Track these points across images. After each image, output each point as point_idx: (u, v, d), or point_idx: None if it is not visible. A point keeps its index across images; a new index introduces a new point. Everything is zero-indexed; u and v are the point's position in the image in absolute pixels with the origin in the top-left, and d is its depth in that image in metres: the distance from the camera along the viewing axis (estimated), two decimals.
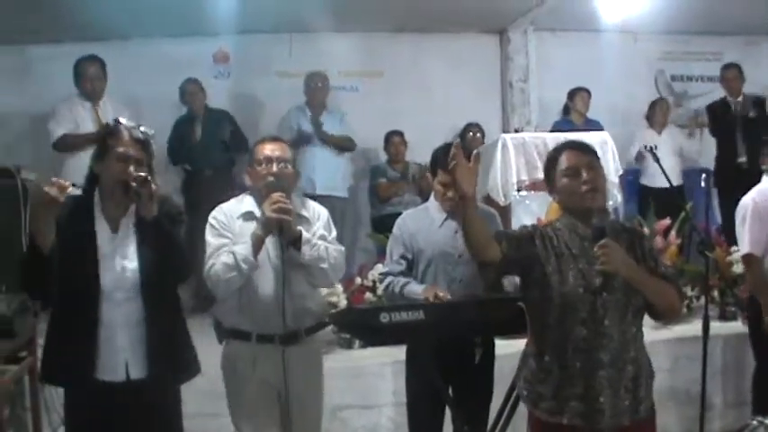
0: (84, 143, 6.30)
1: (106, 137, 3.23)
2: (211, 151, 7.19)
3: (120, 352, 3.11)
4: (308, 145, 7.37)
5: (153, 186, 3.05)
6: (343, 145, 7.65)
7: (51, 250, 2.96)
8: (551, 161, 3.13)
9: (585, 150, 3.09)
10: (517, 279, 3.86)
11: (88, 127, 6.50)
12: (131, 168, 3.10)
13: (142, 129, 3.22)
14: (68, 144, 6.46)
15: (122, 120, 3.24)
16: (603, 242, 2.85)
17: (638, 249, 3.03)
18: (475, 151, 3.02)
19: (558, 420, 2.95)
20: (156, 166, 3.28)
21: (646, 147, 5.83)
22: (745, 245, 4.65)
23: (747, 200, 4.69)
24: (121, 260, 3.14)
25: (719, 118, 7.88)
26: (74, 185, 5.98)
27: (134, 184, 3.03)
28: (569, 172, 3.02)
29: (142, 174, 3.04)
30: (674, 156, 8.21)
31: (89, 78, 6.52)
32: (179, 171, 7.41)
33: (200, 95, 7.46)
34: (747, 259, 4.66)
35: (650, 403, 3.03)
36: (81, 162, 6.10)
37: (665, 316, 3.15)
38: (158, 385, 3.16)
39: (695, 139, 8.64)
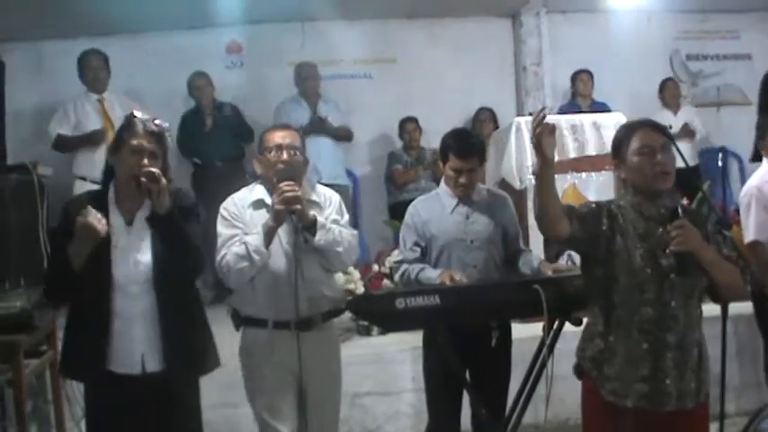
0: (78, 144, 6.43)
1: (121, 130, 3.23)
2: (221, 143, 7.22)
3: (136, 345, 3.12)
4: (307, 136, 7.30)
5: (164, 181, 3.05)
6: (344, 134, 7.68)
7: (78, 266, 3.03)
8: (623, 138, 3.04)
9: (662, 131, 3.03)
10: (536, 263, 3.86)
11: (93, 121, 6.58)
12: (145, 161, 3.09)
13: (157, 122, 3.22)
14: (61, 144, 6.62)
15: (137, 113, 3.25)
16: (679, 222, 2.80)
17: (702, 231, 2.94)
18: (551, 123, 2.93)
19: (623, 403, 2.91)
20: (169, 160, 3.29)
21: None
22: (750, 232, 4.58)
23: (752, 187, 4.62)
24: (135, 253, 3.14)
25: None
26: (83, 179, 6.08)
27: (144, 179, 3.03)
28: (644, 150, 2.94)
29: (151, 169, 3.04)
30: (689, 136, 8.13)
31: (92, 69, 6.65)
32: (188, 165, 7.43)
33: (208, 89, 7.48)
34: (753, 246, 4.60)
35: (709, 387, 2.99)
36: (94, 156, 6.21)
37: (729, 297, 3.09)
38: (175, 378, 3.16)
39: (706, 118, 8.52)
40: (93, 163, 6.18)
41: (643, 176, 2.96)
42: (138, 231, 3.17)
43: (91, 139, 6.39)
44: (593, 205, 3.06)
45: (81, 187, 5.87)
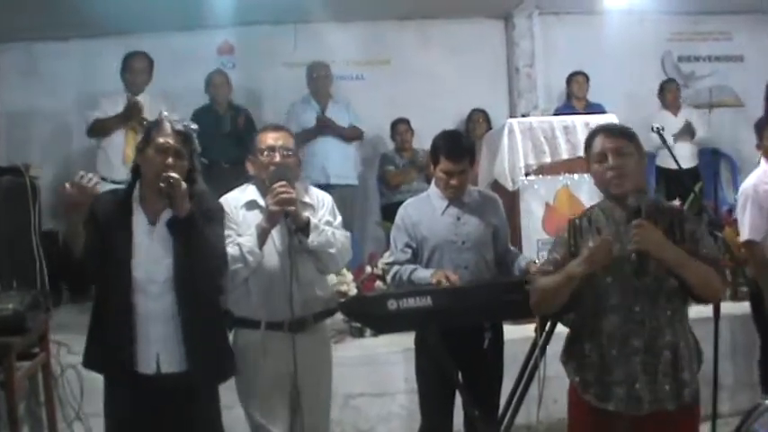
0: (113, 124, 6.31)
1: (149, 129, 3.25)
2: (229, 145, 7.18)
3: (153, 345, 3.13)
4: (315, 138, 7.28)
5: (183, 187, 3.05)
6: (352, 135, 7.64)
7: (84, 251, 3.04)
8: (587, 145, 3.09)
9: (615, 134, 3.03)
10: (523, 263, 3.88)
11: None
12: (170, 159, 3.11)
13: (185, 123, 3.26)
14: (98, 128, 6.45)
15: (164, 112, 3.27)
16: (637, 222, 2.82)
17: (677, 230, 2.94)
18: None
19: (605, 406, 2.94)
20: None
21: (653, 128, 5.89)
22: (744, 232, 4.64)
23: (748, 187, 4.67)
24: (157, 253, 3.15)
25: None
26: (104, 179, 6.03)
27: (163, 185, 3.04)
28: (598, 158, 2.98)
29: (172, 175, 3.04)
30: (690, 134, 8.15)
31: (134, 71, 6.52)
32: None
33: (225, 88, 7.42)
34: (748, 246, 4.65)
35: (696, 387, 2.96)
36: (111, 158, 6.15)
37: (705, 298, 3.05)
38: (191, 382, 3.16)
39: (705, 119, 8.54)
40: (110, 164, 6.15)
41: (600, 182, 3.02)
42: (160, 231, 3.17)
43: (125, 116, 6.26)
44: (565, 234, 3.09)
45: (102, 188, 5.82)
